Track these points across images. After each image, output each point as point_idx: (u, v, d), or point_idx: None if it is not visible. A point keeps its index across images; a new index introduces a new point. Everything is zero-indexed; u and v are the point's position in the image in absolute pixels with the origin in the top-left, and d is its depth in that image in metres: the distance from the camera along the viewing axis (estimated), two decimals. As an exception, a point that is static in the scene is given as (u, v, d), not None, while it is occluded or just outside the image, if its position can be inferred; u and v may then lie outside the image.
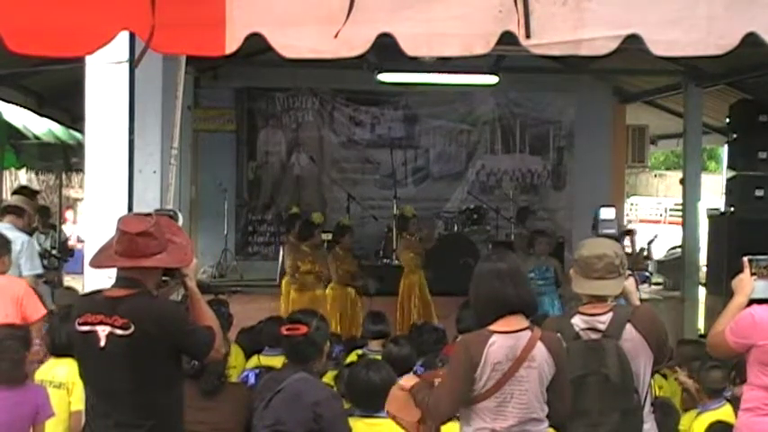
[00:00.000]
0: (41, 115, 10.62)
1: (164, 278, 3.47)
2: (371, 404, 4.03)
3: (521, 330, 3.35)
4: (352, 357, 5.65)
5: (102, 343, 3.23)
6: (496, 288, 3.39)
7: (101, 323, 3.23)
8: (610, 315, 3.60)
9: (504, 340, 3.33)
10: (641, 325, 3.60)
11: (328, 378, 4.92)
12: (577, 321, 3.63)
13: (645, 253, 11.50)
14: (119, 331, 3.21)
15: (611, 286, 3.65)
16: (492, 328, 3.36)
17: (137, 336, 3.20)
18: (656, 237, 11.33)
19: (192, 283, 3.49)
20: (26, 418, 4.22)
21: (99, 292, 3.43)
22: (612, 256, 3.65)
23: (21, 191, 9.13)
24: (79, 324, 3.30)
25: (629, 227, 9.63)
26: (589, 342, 3.58)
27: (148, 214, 3.45)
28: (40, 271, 7.12)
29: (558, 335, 3.56)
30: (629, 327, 3.57)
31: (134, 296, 3.28)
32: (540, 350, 3.32)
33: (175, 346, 3.31)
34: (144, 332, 3.22)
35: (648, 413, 3.69)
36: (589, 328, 3.60)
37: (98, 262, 3.42)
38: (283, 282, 9.36)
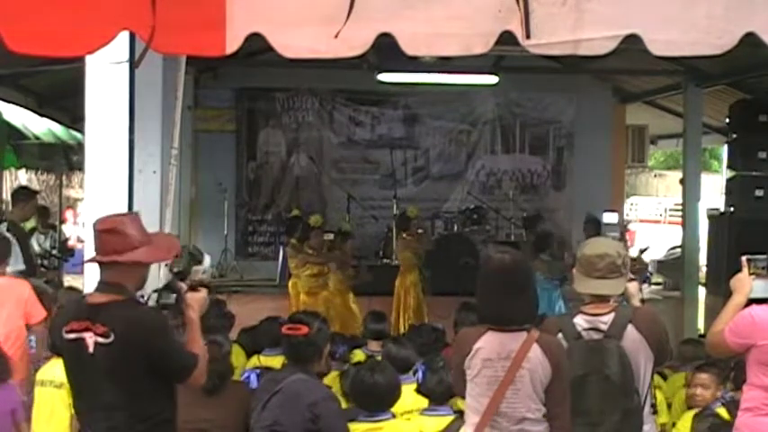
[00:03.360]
0: (41, 115, 10.63)
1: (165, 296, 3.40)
2: (376, 406, 4.05)
3: (517, 330, 3.36)
4: (358, 357, 5.64)
5: (91, 349, 3.18)
6: (499, 302, 3.37)
7: (86, 330, 3.19)
8: (612, 315, 3.59)
9: (498, 337, 3.34)
10: (643, 325, 3.59)
11: (329, 379, 4.92)
12: (579, 321, 3.62)
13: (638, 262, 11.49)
14: (101, 339, 3.16)
15: (613, 286, 3.65)
16: (490, 324, 3.39)
17: (116, 345, 3.14)
18: (647, 248, 11.29)
19: (195, 315, 3.39)
20: (8, 414, 4.31)
21: (83, 297, 3.39)
22: (615, 256, 3.63)
23: (20, 191, 9.13)
24: (66, 332, 3.25)
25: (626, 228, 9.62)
26: (591, 342, 3.57)
27: (130, 214, 3.39)
28: (21, 267, 7.15)
29: (560, 336, 3.56)
30: (630, 327, 3.56)
31: (116, 303, 3.21)
32: (535, 352, 3.31)
33: (153, 361, 3.19)
34: (124, 342, 3.15)
35: (648, 414, 3.69)
36: (591, 328, 3.59)
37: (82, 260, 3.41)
38: (290, 284, 9.35)
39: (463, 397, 3.51)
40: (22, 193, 8.68)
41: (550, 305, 8.62)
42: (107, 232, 3.22)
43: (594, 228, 9.64)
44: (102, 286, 3.28)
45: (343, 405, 4.24)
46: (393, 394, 4.13)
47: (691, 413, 5.01)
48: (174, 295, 3.38)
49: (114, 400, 3.21)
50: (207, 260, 3.69)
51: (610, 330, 3.57)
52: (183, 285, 3.44)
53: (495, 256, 3.49)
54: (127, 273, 3.27)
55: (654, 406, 3.80)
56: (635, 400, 3.57)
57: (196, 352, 3.31)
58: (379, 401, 4.06)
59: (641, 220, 21.56)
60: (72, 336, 3.23)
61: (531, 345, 3.31)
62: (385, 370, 4.17)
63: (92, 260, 3.31)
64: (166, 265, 3.51)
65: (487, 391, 3.33)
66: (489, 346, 3.34)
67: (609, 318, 3.59)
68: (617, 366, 3.50)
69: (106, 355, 3.16)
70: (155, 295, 3.40)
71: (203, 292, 3.47)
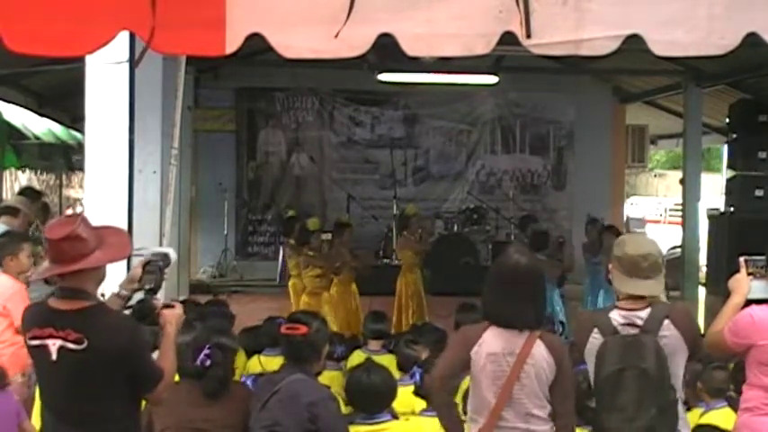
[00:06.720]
0: (41, 115, 10.64)
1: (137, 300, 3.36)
2: (376, 407, 4.04)
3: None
4: (357, 357, 5.62)
5: (54, 357, 3.13)
6: (508, 304, 3.39)
7: (50, 336, 3.13)
8: (648, 310, 3.55)
9: (501, 333, 3.37)
10: (680, 321, 3.55)
11: (326, 378, 4.91)
12: (615, 316, 3.57)
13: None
14: (71, 345, 3.09)
15: (655, 286, 3.61)
16: (493, 323, 3.41)
17: (90, 351, 3.09)
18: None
19: (172, 328, 3.35)
20: (14, 415, 4.32)
21: (43, 303, 3.30)
22: (656, 255, 3.61)
23: (24, 192, 9.13)
24: (29, 338, 3.21)
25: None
26: (627, 337, 3.53)
27: (78, 215, 3.28)
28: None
29: (596, 331, 3.52)
30: (667, 323, 3.52)
31: (88, 310, 3.17)
32: (539, 349, 3.33)
33: (125, 368, 3.16)
34: (98, 348, 3.10)
35: (683, 410, 3.68)
36: (627, 324, 3.55)
37: (37, 274, 3.34)
38: (290, 284, 9.33)
39: (446, 390, 3.53)
40: (26, 194, 8.68)
41: (549, 306, 8.60)
42: (65, 240, 3.13)
43: (597, 229, 9.63)
44: (66, 292, 3.21)
45: (343, 407, 4.24)
46: (390, 394, 4.13)
47: (690, 413, 5.01)
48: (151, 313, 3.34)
49: (81, 406, 3.17)
50: (173, 254, 3.63)
51: (646, 325, 3.53)
52: (159, 302, 3.38)
53: (511, 256, 3.49)
54: (87, 277, 3.20)
55: (687, 402, 3.77)
56: (671, 395, 3.54)
57: (164, 366, 3.28)
58: (377, 402, 4.06)
59: (641, 220, 21.53)
60: (35, 342, 3.18)
61: (535, 341, 3.34)
62: (381, 370, 4.17)
63: (56, 273, 3.21)
64: (139, 281, 3.47)
65: (492, 386, 3.35)
66: (493, 341, 3.36)
67: (645, 313, 3.55)
68: (654, 361, 3.47)
69: (75, 362, 3.11)
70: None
71: (179, 308, 3.43)
